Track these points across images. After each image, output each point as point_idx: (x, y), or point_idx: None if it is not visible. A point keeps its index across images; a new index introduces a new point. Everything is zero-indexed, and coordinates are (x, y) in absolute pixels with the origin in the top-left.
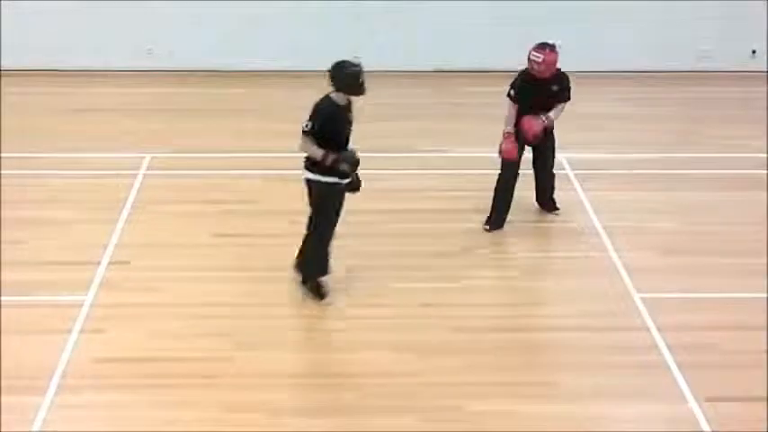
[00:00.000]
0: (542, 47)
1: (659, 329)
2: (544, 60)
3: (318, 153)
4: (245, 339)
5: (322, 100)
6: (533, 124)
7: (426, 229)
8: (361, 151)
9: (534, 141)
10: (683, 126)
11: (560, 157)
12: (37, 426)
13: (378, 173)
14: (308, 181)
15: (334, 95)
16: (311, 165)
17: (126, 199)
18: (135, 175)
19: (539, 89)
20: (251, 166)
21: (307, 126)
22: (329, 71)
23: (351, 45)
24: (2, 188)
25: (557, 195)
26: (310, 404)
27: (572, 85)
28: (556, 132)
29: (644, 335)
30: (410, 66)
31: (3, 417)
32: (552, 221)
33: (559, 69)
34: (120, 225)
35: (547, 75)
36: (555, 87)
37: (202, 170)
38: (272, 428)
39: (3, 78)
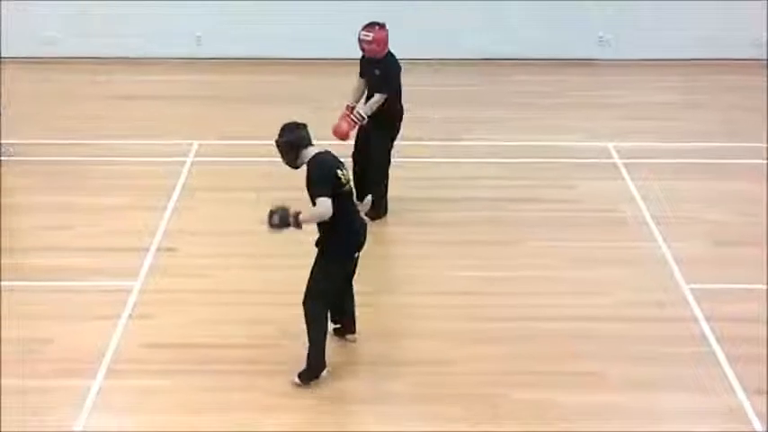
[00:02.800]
0: (372, 25)
1: (708, 320)
2: (374, 39)
3: None
4: (291, 326)
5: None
6: (339, 126)
7: (468, 217)
8: (410, 139)
9: (343, 139)
10: (730, 115)
11: (608, 145)
12: (87, 408)
13: (423, 161)
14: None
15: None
16: None
17: (174, 185)
18: (183, 162)
19: (366, 70)
20: None
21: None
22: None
23: (396, 32)
24: (55, 175)
25: (601, 185)
26: (355, 391)
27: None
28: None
29: (693, 326)
30: (454, 53)
31: (53, 399)
32: (600, 211)
33: (390, 53)
34: (168, 212)
35: (379, 54)
36: (377, 71)
37: (250, 157)
38: (318, 414)
39: (49, 66)
